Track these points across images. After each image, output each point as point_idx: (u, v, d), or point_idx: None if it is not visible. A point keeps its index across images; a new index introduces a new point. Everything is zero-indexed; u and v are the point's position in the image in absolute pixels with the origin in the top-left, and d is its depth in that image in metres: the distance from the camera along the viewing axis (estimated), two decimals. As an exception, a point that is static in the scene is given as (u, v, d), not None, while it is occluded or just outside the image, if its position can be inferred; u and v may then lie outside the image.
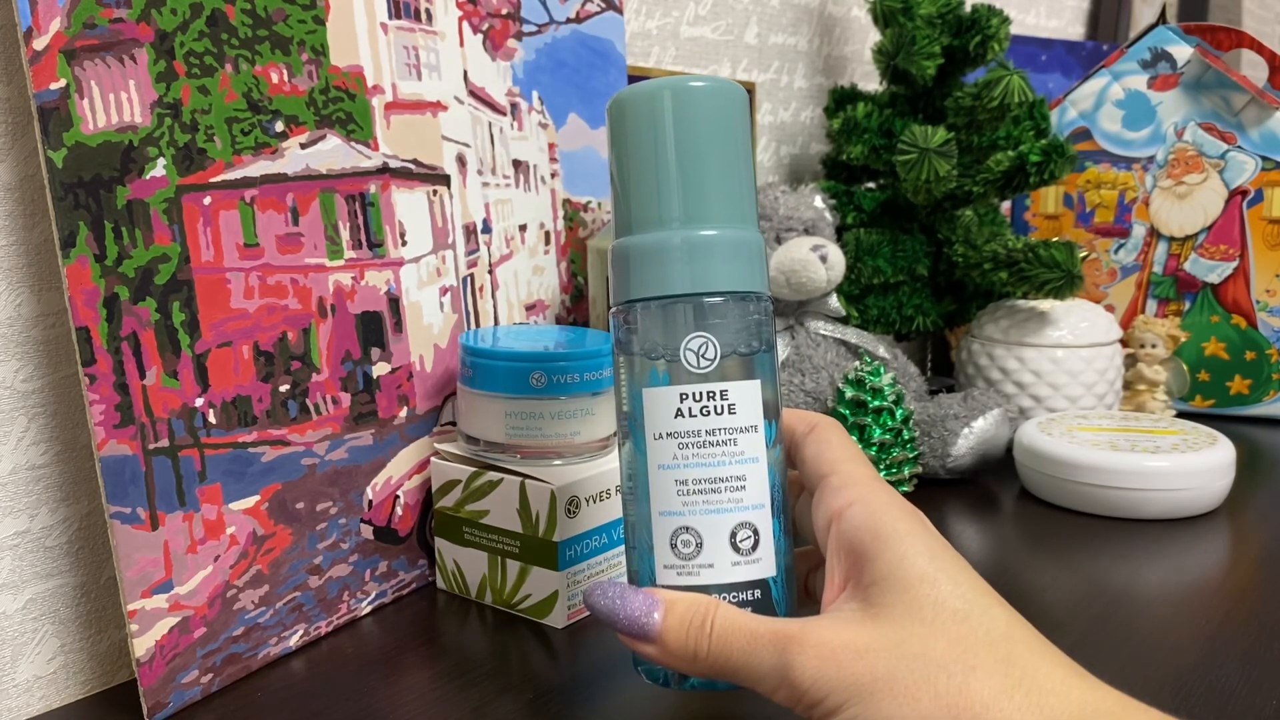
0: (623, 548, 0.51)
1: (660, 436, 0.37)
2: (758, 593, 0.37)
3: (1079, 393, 0.74)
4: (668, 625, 0.34)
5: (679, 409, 0.36)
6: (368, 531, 0.51)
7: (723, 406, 0.36)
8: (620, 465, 0.39)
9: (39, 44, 0.38)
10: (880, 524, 0.34)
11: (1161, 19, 0.90)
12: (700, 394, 0.36)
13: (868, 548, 0.34)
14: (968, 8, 0.78)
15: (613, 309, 0.39)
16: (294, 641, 0.47)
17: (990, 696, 0.30)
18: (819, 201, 0.71)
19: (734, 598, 0.36)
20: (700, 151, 0.37)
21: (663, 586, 0.37)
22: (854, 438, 0.63)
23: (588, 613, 0.50)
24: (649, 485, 0.37)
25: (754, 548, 0.37)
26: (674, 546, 0.37)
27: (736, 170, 0.37)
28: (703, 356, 0.36)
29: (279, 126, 0.46)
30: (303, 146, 0.47)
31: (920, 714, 0.30)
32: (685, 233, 0.36)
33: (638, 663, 0.39)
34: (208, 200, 0.43)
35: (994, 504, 0.66)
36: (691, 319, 0.37)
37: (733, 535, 0.37)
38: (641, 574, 0.38)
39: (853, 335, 0.71)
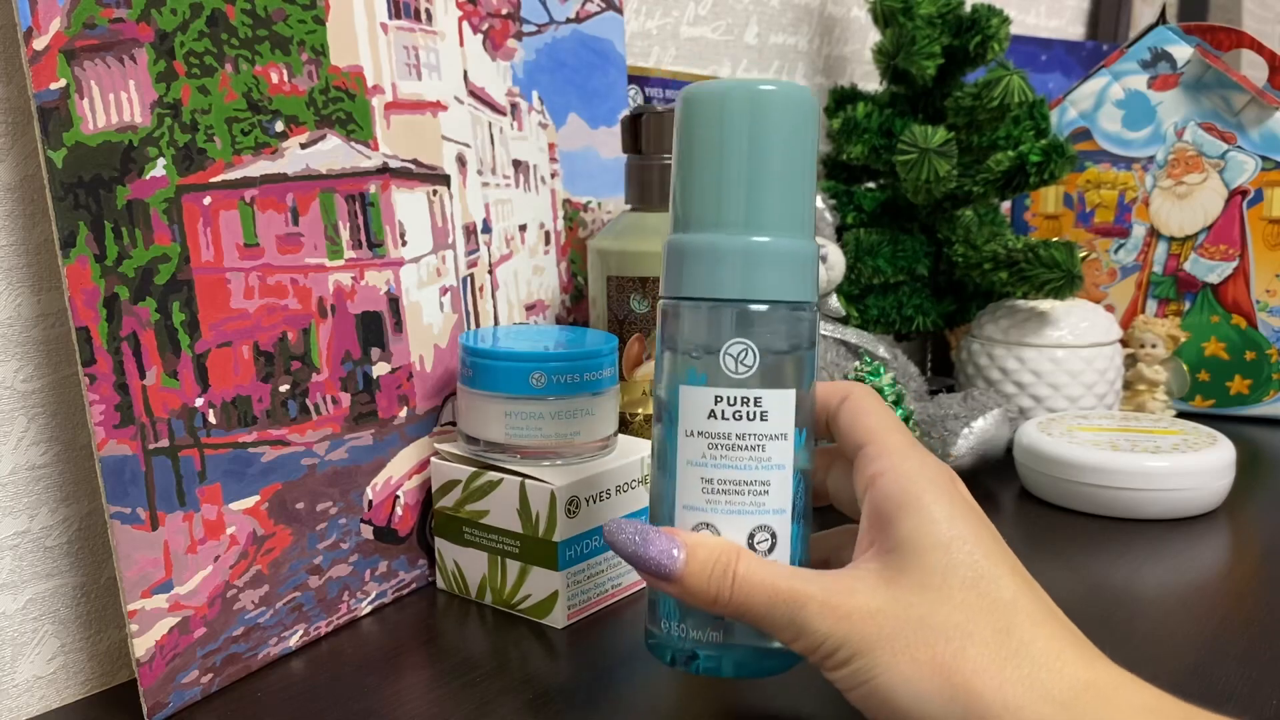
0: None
1: (692, 434, 0.38)
2: None
3: (1079, 393, 0.74)
4: (690, 569, 0.36)
5: (713, 410, 0.37)
6: (368, 531, 0.51)
7: (755, 413, 0.37)
8: (652, 442, 0.40)
9: (39, 44, 0.38)
10: (905, 491, 0.35)
11: (1161, 19, 0.90)
12: (735, 398, 0.37)
13: (892, 515, 0.35)
14: (968, 8, 0.78)
15: (661, 299, 0.39)
16: (294, 641, 0.47)
17: (983, 664, 0.32)
18: (819, 201, 0.71)
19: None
20: (764, 158, 0.37)
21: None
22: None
23: (588, 613, 0.50)
24: (676, 477, 0.38)
25: (770, 550, 0.38)
26: None
27: (798, 178, 0.38)
28: (741, 362, 0.37)
29: (279, 126, 0.46)
30: (303, 146, 0.47)
31: (916, 673, 0.32)
32: (740, 238, 0.37)
33: (650, 643, 0.40)
34: (208, 200, 0.43)
35: (994, 504, 0.66)
36: (735, 324, 0.37)
37: (751, 536, 0.38)
38: None
39: (853, 335, 0.71)
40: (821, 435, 0.41)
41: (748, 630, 0.38)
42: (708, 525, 0.38)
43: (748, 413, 0.37)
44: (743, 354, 0.37)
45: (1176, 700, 0.32)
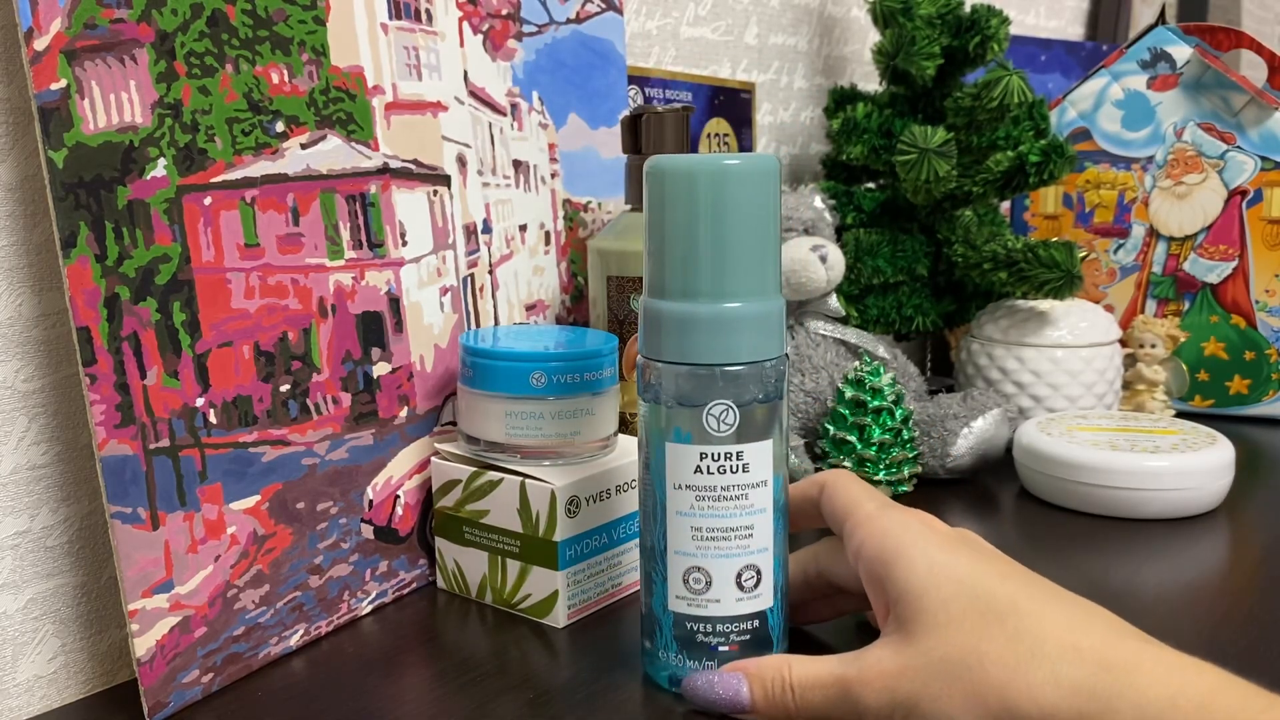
0: (621, 547, 0.51)
1: (680, 487, 0.41)
2: (757, 622, 0.42)
3: (1078, 393, 0.74)
4: (755, 699, 0.39)
5: (699, 465, 0.40)
6: (368, 531, 0.51)
7: (738, 466, 0.40)
8: (639, 478, 0.43)
9: (40, 44, 0.38)
10: (885, 549, 0.38)
11: (1161, 19, 0.90)
12: (719, 454, 0.40)
13: (880, 574, 0.38)
14: (967, 8, 0.78)
15: (641, 358, 0.41)
16: (294, 641, 0.47)
17: (1007, 677, 0.33)
18: (819, 201, 0.71)
19: (737, 627, 0.41)
20: (731, 229, 0.39)
21: (676, 614, 0.42)
22: (854, 437, 0.64)
23: (588, 613, 0.50)
24: (666, 525, 0.41)
25: (756, 585, 0.41)
26: (686, 582, 0.41)
27: (763, 243, 0.40)
28: (723, 421, 0.40)
29: (279, 127, 0.46)
30: (303, 147, 0.47)
31: (956, 709, 0.34)
32: (712, 307, 0.39)
33: (647, 663, 0.44)
34: (208, 200, 0.43)
35: (994, 504, 0.66)
36: (715, 387, 0.40)
37: (739, 576, 0.41)
38: (655, 596, 0.42)
39: (852, 335, 0.71)
40: (813, 525, 0.45)
41: (738, 656, 0.41)
42: (699, 569, 0.41)
43: (730, 466, 0.40)
44: (724, 414, 0.40)
45: (1198, 661, 0.33)
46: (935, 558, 0.37)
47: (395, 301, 0.51)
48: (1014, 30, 1.15)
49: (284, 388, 0.46)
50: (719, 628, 0.41)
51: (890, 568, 0.38)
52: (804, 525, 0.46)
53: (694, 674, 0.40)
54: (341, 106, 0.49)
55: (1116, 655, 0.33)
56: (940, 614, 0.35)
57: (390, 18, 0.51)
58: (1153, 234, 0.88)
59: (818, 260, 0.67)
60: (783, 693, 0.38)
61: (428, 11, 0.53)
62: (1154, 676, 0.32)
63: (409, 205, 0.52)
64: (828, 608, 0.47)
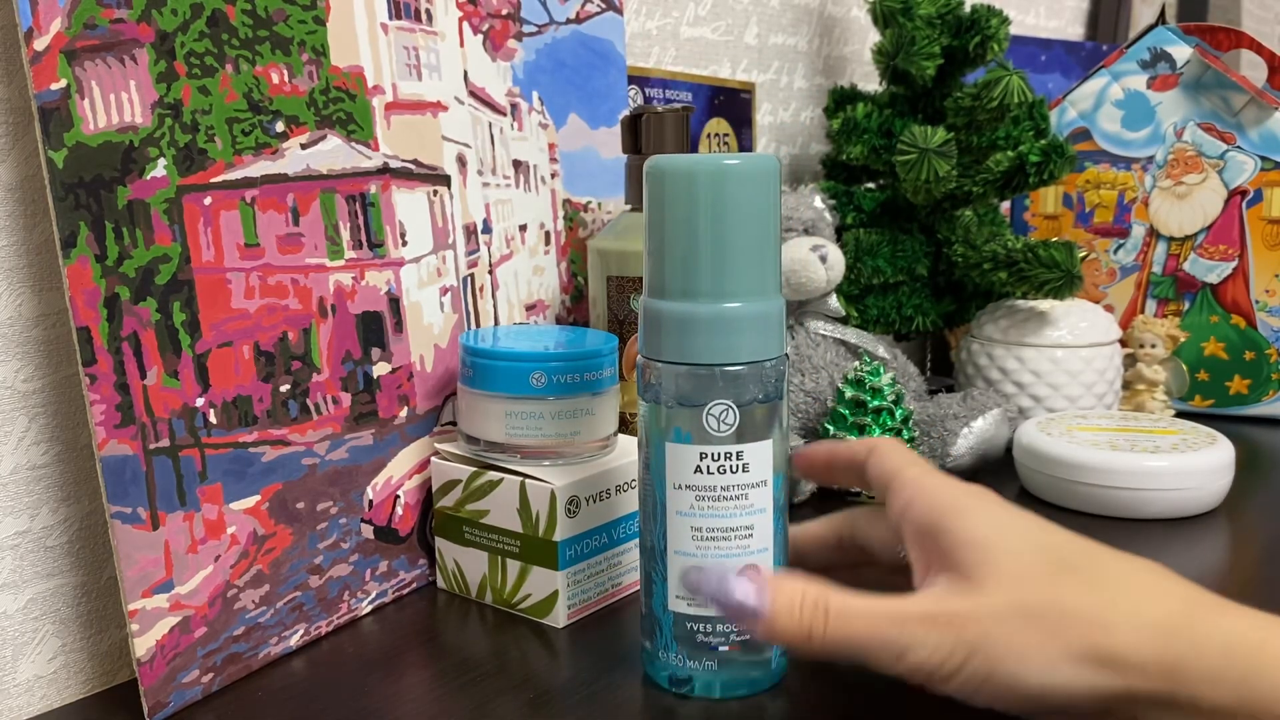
0: (621, 547, 0.51)
1: (680, 487, 0.41)
2: None
3: (1078, 392, 0.74)
4: (778, 608, 0.36)
5: (699, 465, 0.40)
6: (368, 531, 0.51)
7: (738, 466, 0.40)
8: (639, 478, 0.43)
9: (40, 44, 0.38)
10: (939, 504, 0.37)
11: (1161, 19, 0.90)
12: (719, 454, 0.40)
13: (934, 524, 0.37)
14: (967, 8, 0.78)
15: (641, 358, 0.41)
16: (294, 641, 0.47)
17: (1088, 619, 0.33)
18: (818, 201, 0.71)
19: (735, 627, 0.41)
20: (731, 229, 0.39)
21: (676, 614, 0.41)
22: (854, 437, 0.63)
23: (588, 613, 0.50)
24: (666, 525, 0.41)
25: None
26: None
27: (763, 242, 0.40)
28: (723, 421, 0.40)
29: (279, 127, 0.46)
30: (303, 147, 0.47)
31: (1032, 654, 0.33)
32: (712, 307, 0.39)
33: (647, 663, 0.43)
34: (208, 200, 0.43)
35: (993, 504, 0.66)
36: (715, 387, 0.40)
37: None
38: (655, 596, 0.42)
39: (852, 335, 0.71)
40: (854, 484, 0.44)
41: (738, 656, 0.41)
42: (699, 569, 0.40)
43: (730, 466, 0.40)
44: (724, 414, 0.40)
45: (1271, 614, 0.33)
46: (997, 513, 0.37)
47: (395, 301, 0.51)
48: (1014, 30, 1.15)
49: (284, 388, 0.46)
50: (719, 628, 0.41)
51: (947, 518, 0.36)
52: (842, 483, 0.46)
53: (706, 565, 0.39)
54: (341, 106, 0.49)
55: (1198, 595, 0.34)
56: (1010, 563, 0.35)
57: (390, 18, 0.51)
58: (1153, 234, 0.88)
59: (818, 260, 0.67)
60: (813, 612, 0.35)
61: (428, 11, 0.53)
62: (1238, 614, 0.33)
63: (409, 205, 0.52)
64: (850, 578, 0.46)
